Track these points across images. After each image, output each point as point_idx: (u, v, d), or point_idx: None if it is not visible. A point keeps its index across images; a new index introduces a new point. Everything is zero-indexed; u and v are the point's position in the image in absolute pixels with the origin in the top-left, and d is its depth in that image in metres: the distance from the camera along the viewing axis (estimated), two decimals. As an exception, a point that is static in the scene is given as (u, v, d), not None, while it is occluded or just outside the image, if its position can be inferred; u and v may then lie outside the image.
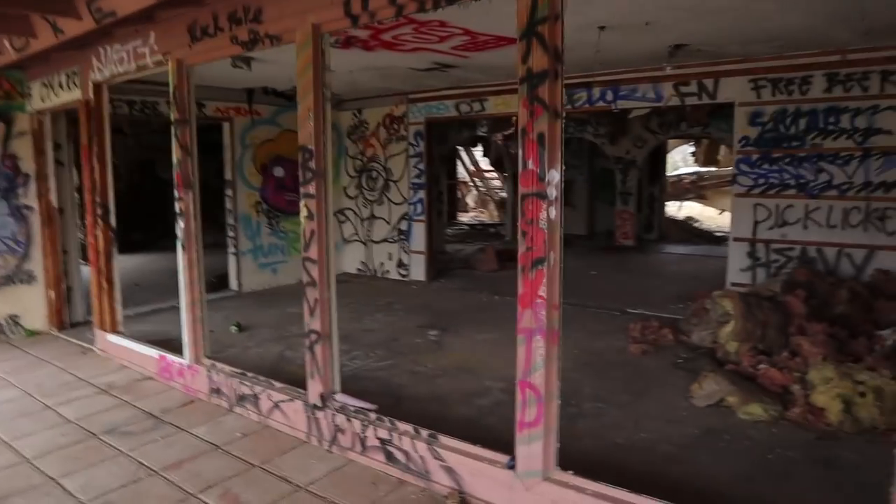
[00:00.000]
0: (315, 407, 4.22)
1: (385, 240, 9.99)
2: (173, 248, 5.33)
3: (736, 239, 7.16)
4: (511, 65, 6.91)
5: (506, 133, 13.77)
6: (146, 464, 3.97)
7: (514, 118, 12.55)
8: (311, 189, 4.10)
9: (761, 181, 6.87)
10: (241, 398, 4.74)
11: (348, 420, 4.04)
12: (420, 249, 9.70)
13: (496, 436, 4.24)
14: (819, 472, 3.79)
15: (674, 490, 3.43)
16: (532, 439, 3.22)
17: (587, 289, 8.70)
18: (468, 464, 3.51)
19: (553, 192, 3.06)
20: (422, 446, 3.68)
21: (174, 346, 5.68)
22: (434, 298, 8.74)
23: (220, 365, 5.06)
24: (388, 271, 9.99)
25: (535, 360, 3.19)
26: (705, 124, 11.39)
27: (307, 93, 4.01)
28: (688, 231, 15.83)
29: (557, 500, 3.17)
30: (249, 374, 4.82)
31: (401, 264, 9.89)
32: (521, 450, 3.27)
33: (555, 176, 3.06)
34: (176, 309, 5.53)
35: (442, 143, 12.16)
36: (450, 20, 5.10)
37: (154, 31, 5.05)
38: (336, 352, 4.27)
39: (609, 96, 7.73)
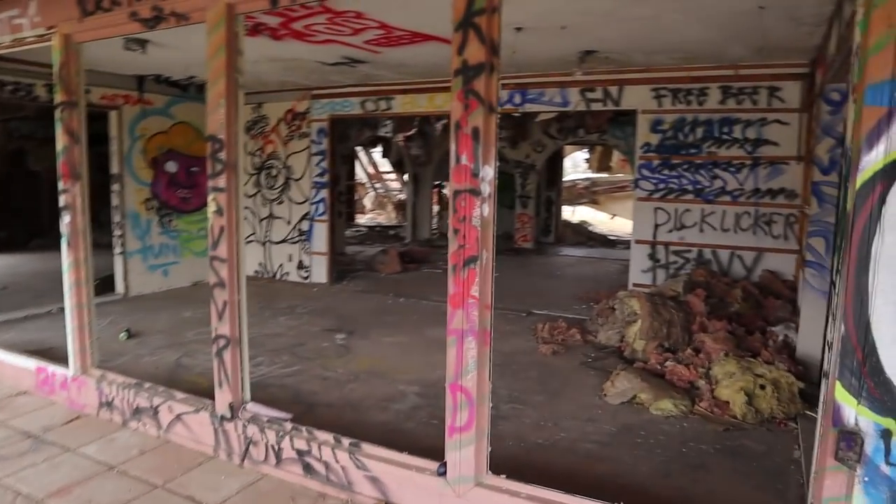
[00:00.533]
0: (224, 418, 3.92)
1: (285, 240, 9.60)
2: (47, 249, 4.82)
3: (637, 241, 7.44)
4: (422, 63, 6.91)
5: (407, 134, 13.68)
6: (25, 492, 3.51)
7: (416, 120, 12.50)
8: (221, 182, 3.80)
9: (661, 186, 7.18)
10: (137, 411, 4.33)
11: (261, 431, 3.78)
12: (322, 251, 9.40)
13: (417, 441, 4.13)
14: (729, 462, 3.95)
15: (599, 487, 3.45)
16: (464, 444, 3.12)
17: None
18: (395, 472, 3.35)
19: (487, 189, 2.99)
20: (343, 456, 3.49)
21: (53, 355, 5.14)
22: (337, 301, 8.49)
23: (111, 375, 4.60)
24: (287, 273, 9.60)
25: (467, 363, 3.08)
26: (603, 131, 11.82)
27: (218, 78, 3.71)
28: (583, 234, 16.41)
29: (490, 506, 3.09)
30: (146, 385, 4.41)
31: (301, 266, 9.54)
32: (451, 455, 3.16)
33: (489, 172, 2.98)
34: (52, 315, 5.00)
35: (343, 142, 11.89)
36: (367, 12, 4.93)
37: (35, 0, 4.53)
38: (246, 358, 3.98)
39: (517, 99, 7.82)
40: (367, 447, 3.49)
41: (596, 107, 7.49)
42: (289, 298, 8.44)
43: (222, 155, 3.78)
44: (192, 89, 8.75)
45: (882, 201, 2.28)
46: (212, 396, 4.02)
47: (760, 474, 3.80)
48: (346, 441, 3.55)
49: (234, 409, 3.90)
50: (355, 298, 8.71)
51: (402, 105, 8.53)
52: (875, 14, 2.25)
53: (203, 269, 9.28)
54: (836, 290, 2.60)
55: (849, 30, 3.43)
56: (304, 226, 9.40)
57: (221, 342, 3.89)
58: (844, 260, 2.40)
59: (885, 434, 2.35)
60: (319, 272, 9.41)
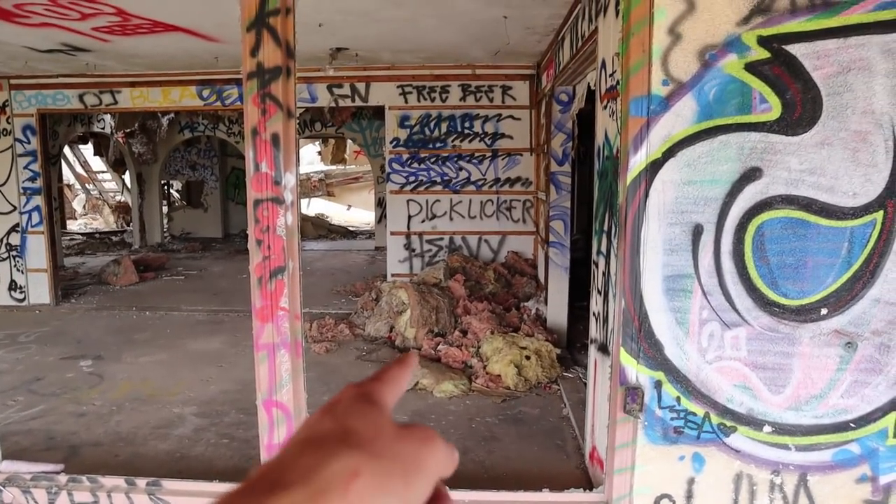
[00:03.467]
0: (-33, 486, 3.23)
1: (-12, 258, 8.06)
2: None
3: (393, 232, 7.73)
4: (159, 54, 6.34)
5: (128, 130, 12.30)
6: None
7: (139, 116, 11.35)
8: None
9: (412, 179, 7.55)
10: None
11: (25, 492, 3.20)
12: (41, 267, 8.08)
13: (213, 466, 3.92)
14: (513, 429, 4.38)
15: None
16: (285, 460, 3.00)
17: (243, 293, 8.38)
18: (206, 505, 3.11)
19: (289, 196, 2.91)
20: (142, 499, 3.13)
21: None
22: (70, 323, 7.40)
23: None
24: (-5, 297, 8.09)
25: (282, 377, 2.98)
26: (342, 124, 11.97)
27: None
28: (323, 227, 16.45)
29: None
30: None
31: (14, 286, 8.10)
32: (271, 474, 3.03)
33: (290, 179, 2.90)
34: None
35: (51, 140, 10.30)
36: (103, -4, 4.36)
37: None
38: (-6, 408, 3.33)
39: (263, 94, 7.54)
40: (169, 483, 3.18)
41: (344, 103, 7.56)
42: (5, 326, 7.12)
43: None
44: None
45: (646, 195, 2.73)
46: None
47: (541, 435, 4.29)
48: (141, 482, 3.18)
49: (-20, 472, 3.24)
50: (91, 318, 7.68)
51: (132, 100, 7.67)
52: (633, 40, 2.67)
53: None
54: (611, 271, 3.06)
55: (586, 44, 4.00)
56: (14, 239, 7.98)
57: (-42, 394, 3.19)
58: (620, 245, 2.83)
59: (657, 384, 2.85)
60: (40, 292, 8.09)
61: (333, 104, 7.53)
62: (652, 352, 2.83)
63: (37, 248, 8.04)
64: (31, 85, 7.67)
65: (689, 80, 2.64)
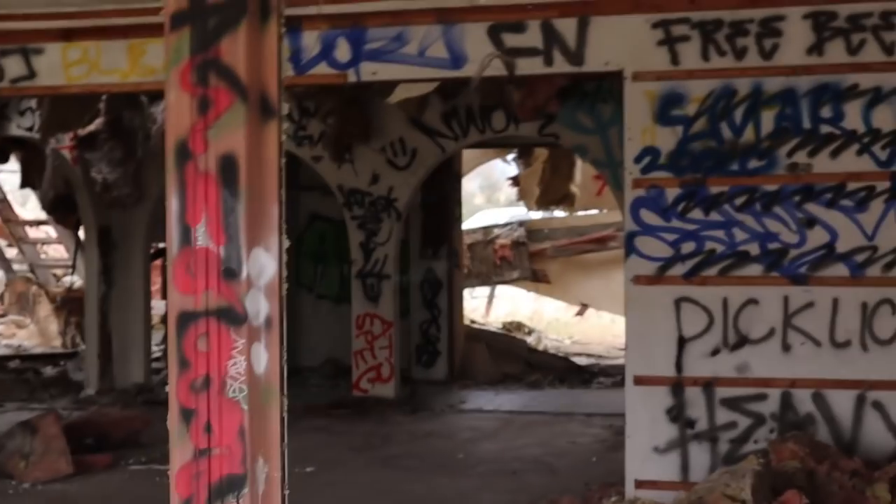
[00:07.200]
0: None
1: None
2: None
3: (639, 378, 7.49)
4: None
5: (84, 133, 13.37)
6: None
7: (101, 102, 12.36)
8: None
9: (687, 247, 7.31)
10: None
11: None
12: None
13: None
14: None
15: None
16: None
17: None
18: None
19: (263, 308, 2.90)
20: None
21: None
22: None
23: None
24: None
25: None
26: (549, 117, 12.12)
27: None
28: (514, 359, 16.56)
29: None
30: None
31: None
32: None
33: (266, 265, 2.95)
34: None
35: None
36: None
37: None
38: None
39: (343, 51, 7.78)
40: None
41: (530, 65, 7.60)
42: None
43: None
44: None
45: None
46: None
47: None
48: None
49: None
50: None
51: (67, 68, 8.31)
52: None
53: None
54: None
55: None
56: None
57: None
58: None
59: None
60: None
61: (500, 71, 7.57)
62: None
63: None
64: None
65: None
